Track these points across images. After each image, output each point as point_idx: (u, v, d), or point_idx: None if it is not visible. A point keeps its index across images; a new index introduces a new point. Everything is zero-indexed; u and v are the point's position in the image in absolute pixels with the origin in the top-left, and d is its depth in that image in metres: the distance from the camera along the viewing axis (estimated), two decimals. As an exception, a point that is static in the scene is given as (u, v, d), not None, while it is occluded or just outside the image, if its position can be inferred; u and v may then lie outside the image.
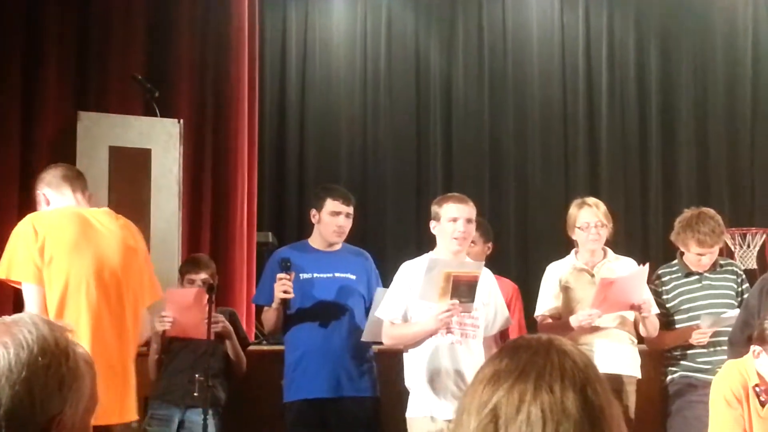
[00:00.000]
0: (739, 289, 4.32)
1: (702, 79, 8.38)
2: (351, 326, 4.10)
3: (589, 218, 4.22)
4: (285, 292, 3.97)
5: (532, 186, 8.20)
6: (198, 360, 4.16)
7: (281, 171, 7.99)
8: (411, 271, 3.77)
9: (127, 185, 5.39)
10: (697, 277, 4.33)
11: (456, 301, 3.55)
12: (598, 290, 4.00)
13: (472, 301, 3.61)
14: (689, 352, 4.24)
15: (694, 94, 8.35)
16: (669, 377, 4.30)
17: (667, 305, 4.34)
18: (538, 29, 8.36)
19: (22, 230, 3.24)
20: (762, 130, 8.27)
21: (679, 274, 4.36)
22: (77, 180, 3.49)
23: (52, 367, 1.33)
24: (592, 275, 4.23)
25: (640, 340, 4.33)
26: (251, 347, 4.84)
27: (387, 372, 4.18)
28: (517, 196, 8.20)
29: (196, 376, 4.01)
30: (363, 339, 4.05)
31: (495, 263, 4.39)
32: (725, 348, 4.01)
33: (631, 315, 4.19)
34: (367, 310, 4.12)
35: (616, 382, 3.98)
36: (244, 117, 6.53)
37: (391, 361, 4.04)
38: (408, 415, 3.76)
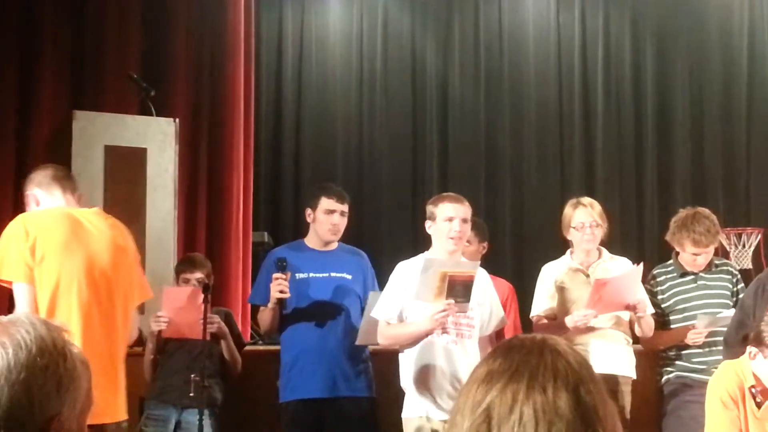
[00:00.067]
0: (735, 289, 4.32)
1: (698, 79, 8.39)
2: (347, 326, 4.10)
3: (584, 218, 4.23)
4: (281, 292, 3.97)
5: (527, 185, 8.20)
6: (194, 360, 4.15)
7: (277, 170, 7.99)
8: (406, 271, 3.77)
9: (123, 184, 5.38)
10: (692, 277, 4.33)
11: (452, 301, 3.55)
12: (593, 290, 4.01)
13: (468, 301, 3.61)
14: (684, 352, 4.25)
15: (690, 93, 8.37)
16: (664, 377, 4.30)
17: (663, 305, 4.35)
18: (534, 29, 8.37)
19: (13, 230, 3.25)
20: (757, 130, 8.29)
21: (675, 274, 4.37)
22: (67, 180, 3.50)
23: (51, 367, 1.33)
24: (588, 275, 4.23)
25: (636, 340, 4.33)
26: (247, 347, 4.83)
27: (383, 372, 4.18)
28: (512, 195, 8.20)
29: (192, 376, 4.00)
30: (357, 342, 4.05)
31: (490, 263, 4.39)
32: (720, 348, 4.01)
33: (626, 315, 4.20)
34: (363, 310, 4.12)
35: (612, 382, 3.99)
36: (240, 116, 6.53)
37: (387, 361, 4.04)
38: (403, 415, 3.75)
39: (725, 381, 3.28)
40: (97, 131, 5.37)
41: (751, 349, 3.20)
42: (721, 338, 4.00)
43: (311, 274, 4.16)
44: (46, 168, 3.56)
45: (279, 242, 6.04)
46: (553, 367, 1.12)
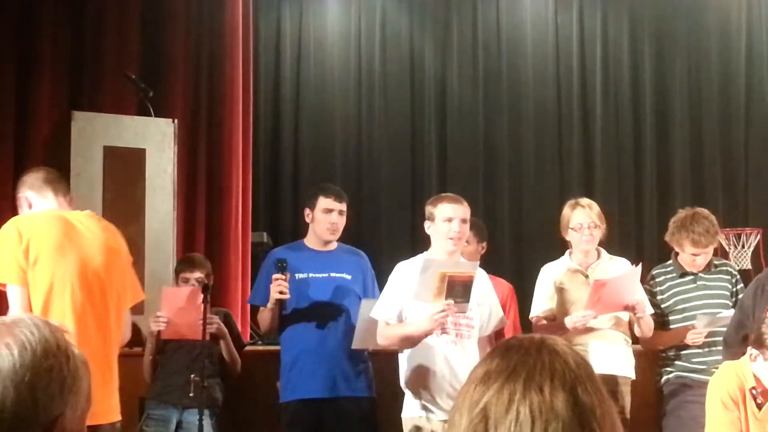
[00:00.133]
0: (734, 289, 4.32)
1: (696, 80, 8.39)
2: (347, 326, 4.10)
3: (582, 219, 4.23)
4: (280, 292, 3.98)
5: (526, 186, 8.20)
6: (194, 361, 4.15)
7: (276, 171, 7.98)
8: (406, 272, 3.77)
9: (122, 185, 5.38)
10: (691, 277, 4.33)
11: (451, 302, 3.54)
12: (592, 291, 4.01)
13: (467, 301, 3.61)
14: (684, 352, 4.25)
15: (688, 94, 8.37)
16: (664, 377, 4.30)
17: (662, 305, 4.35)
18: (532, 29, 8.36)
19: (6, 233, 3.26)
20: (756, 130, 8.29)
21: (674, 275, 4.37)
22: (59, 183, 3.51)
23: (55, 369, 1.33)
24: (587, 276, 4.23)
25: (635, 340, 4.34)
26: (247, 347, 4.83)
27: (382, 372, 4.18)
28: (511, 196, 8.20)
29: (192, 376, 4.01)
30: (353, 347, 4.05)
31: (490, 263, 4.39)
32: (720, 348, 4.02)
33: (625, 315, 4.20)
34: (360, 313, 4.13)
35: (611, 382, 3.99)
36: (239, 117, 6.53)
37: (387, 361, 4.04)
38: (403, 415, 3.75)
39: (726, 382, 3.29)
40: (95, 132, 5.37)
41: (752, 351, 3.20)
42: (721, 338, 4.00)
43: (311, 275, 4.17)
44: (38, 170, 3.58)
45: (278, 242, 6.05)
46: (550, 366, 1.12)
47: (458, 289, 3.56)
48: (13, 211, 3.61)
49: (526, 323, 4.56)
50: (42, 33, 5.71)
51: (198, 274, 4.38)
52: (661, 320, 4.32)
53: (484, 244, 4.67)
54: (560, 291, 4.26)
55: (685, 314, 4.28)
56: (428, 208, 3.84)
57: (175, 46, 6.27)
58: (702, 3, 8.43)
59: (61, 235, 3.29)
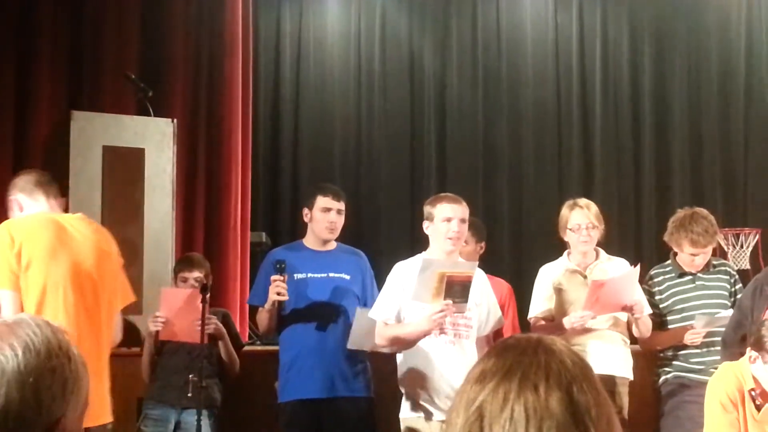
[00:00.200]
0: (732, 289, 4.32)
1: (695, 79, 8.39)
2: (345, 326, 4.09)
3: (580, 220, 4.23)
4: (279, 294, 3.97)
5: (525, 186, 8.20)
6: (192, 361, 4.16)
7: (275, 171, 7.98)
8: (404, 272, 3.76)
9: (121, 185, 5.38)
10: (690, 277, 4.33)
11: (450, 302, 3.54)
12: (590, 292, 4.00)
13: (466, 301, 3.60)
14: (682, 352, 4.25)
15: (688, 94, 8.36)
16: (662, 378, 4.30)
17: (661, 305, 4.35)
18: (531, 29, 8.36)
19: None
20: (755, 130, 8.28)
21: (673, 275, 4.37)
22: (50, 186, 3.52)
23: (58, 369, 1.34)
24: (585, 276, 4.23)
25: (633, 341, 4.33)
26: (245, 348, 4.83)
27: (381, 372, 4.18)
28: (510, 196, 8.20)
29: (191, 376, 4.01)
30: (348, 347, 4.05)
31: (488, 263, 4.39)
32: (718, 348, 4.02)
33: (624, 316, 4.20)
34: (361, 312, 4.13)
35: (609, 383, 3.98)
36: (238, 116, 6.53)
37: (385, 361, 4.04)
38: (401, 415, 3.76)
39: (725, 383, 3.29)
40: (95, 131, 5.37)
41: (751, 353, 3.20)
42: (719, 338, 4.01)
43: (310, 275, 4.16)
44: (29, 173, 3.59)
45: (277, 242, 6.05)
46: (546, 366, 1.13)
47: (457, 289, 3.56)
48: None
49: (525, 323, 4.56)
50: (42, 33, 5.72)
51: (197, 274, 4.39)
52: (659, 320, 4.32)
53: (483, 244, 4.66)
54: (559, 291, 4.26)
55: (684, 314, 4.27)
56: (427, 208, 3.84)
57: (174, 46, 6.27)
58: (702, 3, 8.42)
59: (53, 239, 3.29)
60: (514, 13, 8.39)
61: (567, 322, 4.05)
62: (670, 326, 4.32)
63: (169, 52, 6.24)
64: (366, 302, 4.14)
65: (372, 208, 7.93)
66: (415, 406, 3.70)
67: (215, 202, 6.34)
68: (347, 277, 4.20)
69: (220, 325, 4.33)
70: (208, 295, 4.08)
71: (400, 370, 3.78)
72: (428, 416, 3.66)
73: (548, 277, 4.31)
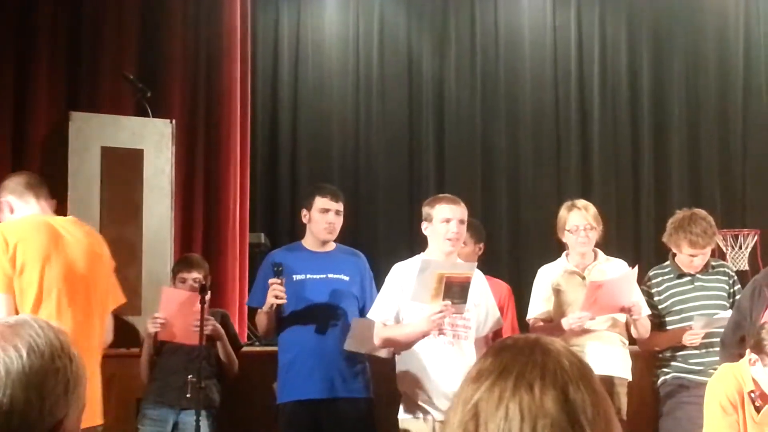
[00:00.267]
0: (731, 290, 4.32)
1: (694, 82, 8.40)
2: (344, 327, 4.09)
3: (578, 221, 4.23)
4: (277, 297, 3.97)
5: (524, 188, 8.20)
6: (191, 362, 4.15)
7: (274, 171, 7.98)
8: (403, 272, 3.76)
9: (119, 186, 5.37)
10: (689, 278, 4.33)
11: (448, 303, 3.54)
12: (588, 293, 4.00)
13: (465, 302, 3.61)
14: (681, 353, 4.25)
15: (686, 96, 8.37)
16: (661, 378, 4.30)
17: (659, 306, 4.35)
18: (530, 32, 8.37)
19: None
20: (753, 131, 8.30)
21: (671, 276, 4.37)
22: (41, 188, 3.51)
23: (61, 371, 1.34)
24: (583, 277, 4.22)
25: (632, 341, 4.33)
26: (244, 348, 4.83)
27: (380, 373, 4.18)
28: (509, 197, 8.20)
29: (189, 377, 4.00)
30: (345, 347, 4.04)
31: (487, 264, 4.39)
32: (717, 349, 4.02)
33: (622, 317, 4.20)
34: (361, 311, 4.12)
35: (607, 384, 3.98)
36: (237, 117, 6.53)
37: (384, 362, 4.04)
38: (400, 416, 3.75)
39: (724, 385, 3.28)
40: (93, 132, 5.36)
41: (750, 355, 3.20)
42: (718, 339, 4.01)
43: (308, 276, 4.16)
44: (19, 175, 3.58)
45: (276, 243, 6.05)
46: (542, 365, 1.13)
47: (455, 290, 3.56)
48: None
49: (524, 324, 4.56)
50: (40, 33, 5.72)
51: (195, 275, 4.38)
52: (658, 321, 4.32)
53: (481, 245, 4.66)
54: (557, 292, 4.26)
55: (683, 315, 4.28)
56: (425, 209, 3.84)
57: (173, 47, 6.27)
58: (699, 5, 8.44)
59: (47, 242, 3.29)
60: (512, 16, 8.40)
61: (565, 323, 4.05)
62: (668, 327, 4.32)
63: (167, 53, 6.25)
64: (365, 303, 4.14)
65: (371, 209, 7.93)
66: (414, 407, 3.69)
67: (214, 202, 6.34)
68: (346, 278, 4.20)
69: (218, 326, 4.33)
70: (207, 296, 4.08)
71: (399, 371, 3.78)
72: (427, 417, 3.66)
73: (547, 278, 4.31)
